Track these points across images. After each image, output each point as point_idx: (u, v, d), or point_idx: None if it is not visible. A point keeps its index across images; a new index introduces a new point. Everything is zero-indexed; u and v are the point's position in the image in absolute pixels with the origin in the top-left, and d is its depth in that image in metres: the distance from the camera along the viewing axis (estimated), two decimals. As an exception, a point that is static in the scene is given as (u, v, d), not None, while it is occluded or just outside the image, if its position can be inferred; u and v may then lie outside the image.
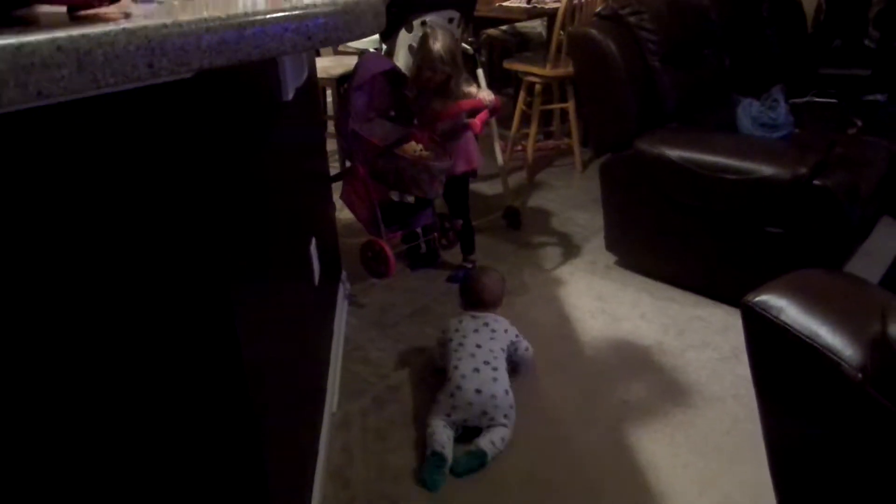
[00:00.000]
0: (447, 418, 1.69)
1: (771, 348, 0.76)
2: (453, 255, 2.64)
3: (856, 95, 2.83)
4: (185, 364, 0.82)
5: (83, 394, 0.72)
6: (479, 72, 2.91)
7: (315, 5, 0.62)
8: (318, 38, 0.62)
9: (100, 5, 0.59)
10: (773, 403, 0.80)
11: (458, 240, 2.58)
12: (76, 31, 0.48)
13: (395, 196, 2.37)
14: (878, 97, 2.75)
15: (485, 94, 2.30)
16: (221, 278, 0.83)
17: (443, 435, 1.65)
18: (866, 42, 3.09)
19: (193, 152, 0.73)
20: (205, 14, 0.55)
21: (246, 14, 0.57)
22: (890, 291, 0.73)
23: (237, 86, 1.03)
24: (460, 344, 1.80)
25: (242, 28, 0.56)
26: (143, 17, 0.55)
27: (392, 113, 2.35)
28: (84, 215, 0.66)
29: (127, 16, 0.56)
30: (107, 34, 0.49)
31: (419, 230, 2.54)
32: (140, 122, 0.66)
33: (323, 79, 3.32)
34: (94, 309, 0.70)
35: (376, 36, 2.81)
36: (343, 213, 2.80)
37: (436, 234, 2.61)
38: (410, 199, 2.39)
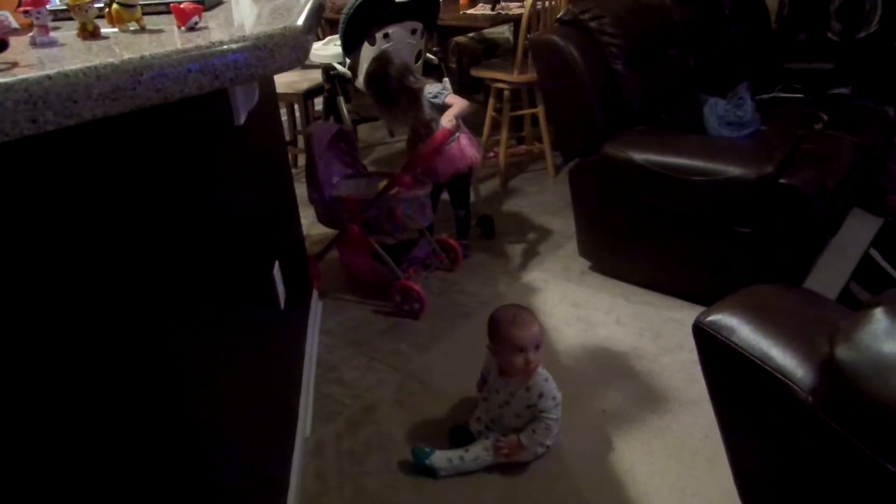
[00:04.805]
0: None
1: (724, 369, 0.74)
2: (442, 277, 2.61)
3: (821, 89, 2.84)
4: (126, 404, 0.79)
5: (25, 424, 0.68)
6: (446, 80, 2.89)
7: (222, 42, 0.59)
8: (226, 76, 0.59)
9: (-14, 55, 0.55)
10: (730, 422, 0.78)
11: (458, 227, 2.70)
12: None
13: (389, 240, 2.43)
14: (843, 90, 2.76)
15: (446, 123, 2.26)
16: (158, 315, 0.79)
17: None
18: (829, 35, 3.10)
19: (119, 185, 0.69)
20: (97, 60, 0.52)
21: (142, 57, 0.53)
22: (862, 286, 0.71)
23: (174, 115, 0.99)
24: None
25: (138, 73, 0.53)
26: (30, 67, 0.52)
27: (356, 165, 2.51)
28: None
29: (13, 65, 0.53)
30: (-22, 91, 0.46)
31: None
32: (58, 153, 0.62)
33: (289, 94, 3.28)
34: (28, 350, 0.67)
35: (339, 50, 2.78)
36: (314, 230, 2.77)
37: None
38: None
